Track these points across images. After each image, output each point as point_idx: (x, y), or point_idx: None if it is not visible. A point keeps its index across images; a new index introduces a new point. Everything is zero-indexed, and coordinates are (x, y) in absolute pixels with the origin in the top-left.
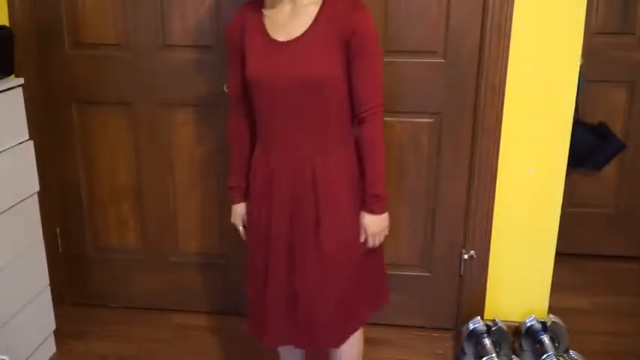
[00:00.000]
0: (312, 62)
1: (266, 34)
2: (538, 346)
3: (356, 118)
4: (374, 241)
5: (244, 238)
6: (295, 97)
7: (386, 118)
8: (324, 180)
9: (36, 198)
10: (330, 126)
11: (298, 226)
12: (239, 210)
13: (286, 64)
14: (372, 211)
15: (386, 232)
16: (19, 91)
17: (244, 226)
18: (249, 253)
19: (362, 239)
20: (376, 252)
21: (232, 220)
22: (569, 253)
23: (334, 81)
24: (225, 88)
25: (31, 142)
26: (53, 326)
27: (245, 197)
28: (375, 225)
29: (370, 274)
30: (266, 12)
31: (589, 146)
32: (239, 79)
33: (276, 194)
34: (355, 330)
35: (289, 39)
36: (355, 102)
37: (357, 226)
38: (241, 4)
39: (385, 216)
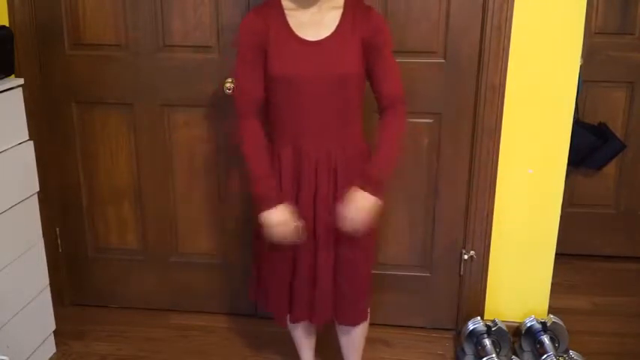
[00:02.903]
0: (341, 60)
1: (293, 34)
2: (538, 346)
3: (380, 107)
4: (352, 217)
5: (301, 235)
6: (323, 92)
7: None
8: (343, 167)
9: (36, 198)
10: (349, 117)
11: (321, 209)
12: (285, 211)
13: (318, 61)
14: (363, 188)
15: (366, 218)
16: (19, 91)
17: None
18: (269, 245)
19: (342, 211)
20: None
21: (282, 220)
22: (569, 253)
23: (357, 77)
24: (227, 89)
25: (31, 142)
26: (53, 326)
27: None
28: (359, 202)
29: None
30: (290, 13)
31: (589, 146)
32: (262, 79)
33: (304, 183)
34: (368, 306)
35: (318, 39)
36: (382, 92)
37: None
38: (243, 3)
39: (372, 199)
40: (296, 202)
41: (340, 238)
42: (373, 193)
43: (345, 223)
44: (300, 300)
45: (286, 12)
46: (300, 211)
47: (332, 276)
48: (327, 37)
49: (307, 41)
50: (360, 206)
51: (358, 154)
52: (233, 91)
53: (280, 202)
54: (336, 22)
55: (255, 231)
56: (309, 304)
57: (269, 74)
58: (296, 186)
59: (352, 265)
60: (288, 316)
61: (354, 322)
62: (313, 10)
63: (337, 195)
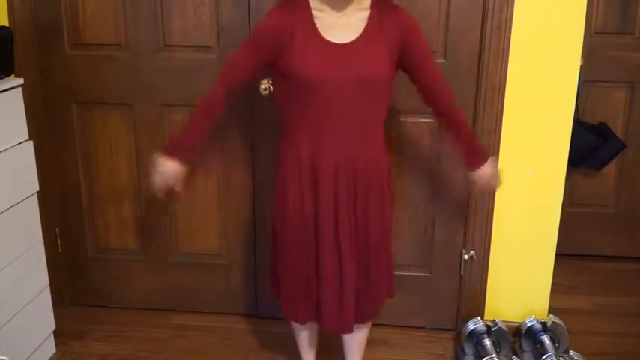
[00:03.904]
0: (368, 64)
1: (319, 36)
2: (538, 346)
3: (436, 106)
4: (487, 189)
5: (160, 193)
6: (348, 95)
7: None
8: (363, 172)
9: (36, 198)
10: (372, 122)
11: (343, 211)
12: (175, 168)
13: (343, 64)
14: (477, 164)
15: (497, 180)
16: (19, 91)
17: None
18: (285, 245)
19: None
20: (388, 247)
21: (162, 176)
22: (569, 253)
23: (384, 81)
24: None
25: (31, 142)
26: (53, 326)
27: (183, 164)
28: (484, 175)
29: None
30: (317, 14)
31: (589, 146)
32: (254, 69)
33: (322, 184)
34: (386, 300)
35: (344, 42)
36: (434, 91)
37: (389, 212)
38: (243, 3)
39: (490, 162)
40: (315, 204)
41: (363, 242)
42: (485, 159)
43: (484, 190)
44: (316, 303)
45: (314, 13)
46: (322, 215)
47: (356, 282)
48: (354, 40)
49: (333, 44)
50: (489, 180)
51: (377, 169)
52: (225, 64)
53: (178, 160)
54: (363, 25)
55: (272, 230)
56: (335, 310)
57: (292, 74)
58: (315, 189)
59: (378, 262)
60: (303, 316)
61: (373, 314)
62: (340, 11)
63: (357, 206)
